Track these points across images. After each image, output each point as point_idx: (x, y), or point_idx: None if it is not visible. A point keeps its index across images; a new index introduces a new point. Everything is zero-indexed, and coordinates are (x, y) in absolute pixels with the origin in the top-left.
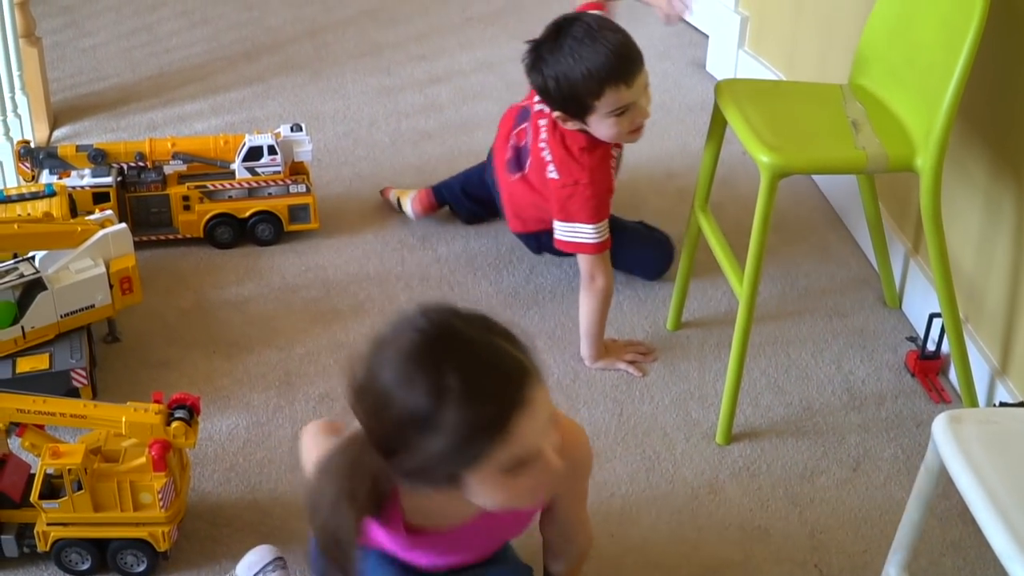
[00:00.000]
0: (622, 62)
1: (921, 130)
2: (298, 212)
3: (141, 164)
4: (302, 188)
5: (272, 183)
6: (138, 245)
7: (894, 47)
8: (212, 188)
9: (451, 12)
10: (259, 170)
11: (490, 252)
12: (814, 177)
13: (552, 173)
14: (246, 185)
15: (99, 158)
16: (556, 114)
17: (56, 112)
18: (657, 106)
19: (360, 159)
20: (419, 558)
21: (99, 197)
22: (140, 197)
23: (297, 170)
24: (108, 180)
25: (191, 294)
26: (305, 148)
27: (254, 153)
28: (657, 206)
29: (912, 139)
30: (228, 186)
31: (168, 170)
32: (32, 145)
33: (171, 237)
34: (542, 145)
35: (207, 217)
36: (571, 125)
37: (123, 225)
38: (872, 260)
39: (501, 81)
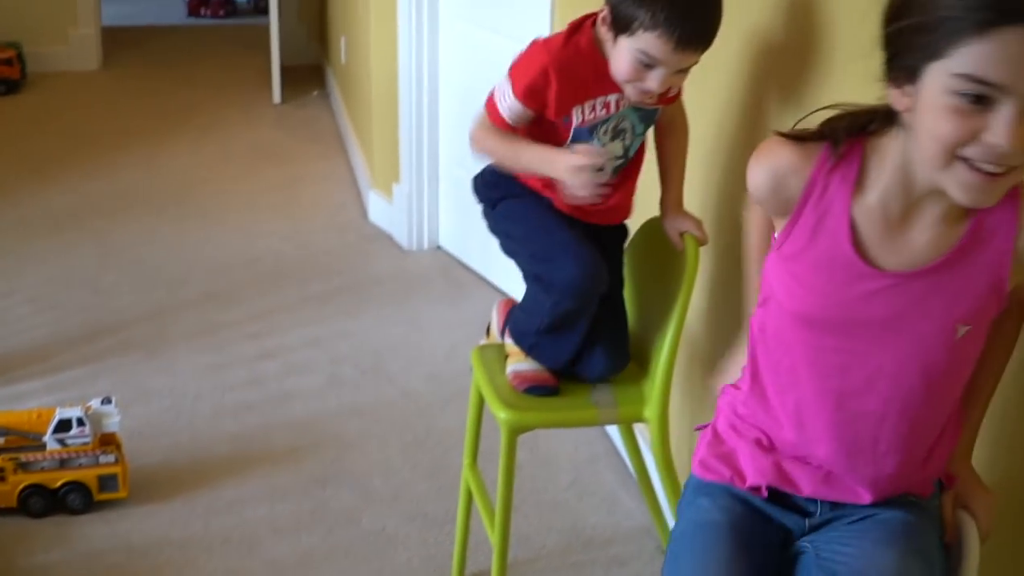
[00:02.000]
0: (682, 17)
1: (648, 384)
2: (107, 481)
3: None
4: (111, 458)
5: (82, 454)
6: None
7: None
8: (24, 460)
9: (289, 293)
10: (69, 441)
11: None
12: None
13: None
14: (57, 456)
15: None
16: (604, 12)
17: None
18: None
19: (180, 430)
20: None
21: None
22: None
23: (107, 440)
24: None
25: (1, 562)
26: (113, 419)
27: (64, 425)
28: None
29: (643, 391)
30: (40, 457)
31: None
32: None
33: None
34: None
35: (20, 487)
36: (604, 33)
37: None
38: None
39: (326, 355)
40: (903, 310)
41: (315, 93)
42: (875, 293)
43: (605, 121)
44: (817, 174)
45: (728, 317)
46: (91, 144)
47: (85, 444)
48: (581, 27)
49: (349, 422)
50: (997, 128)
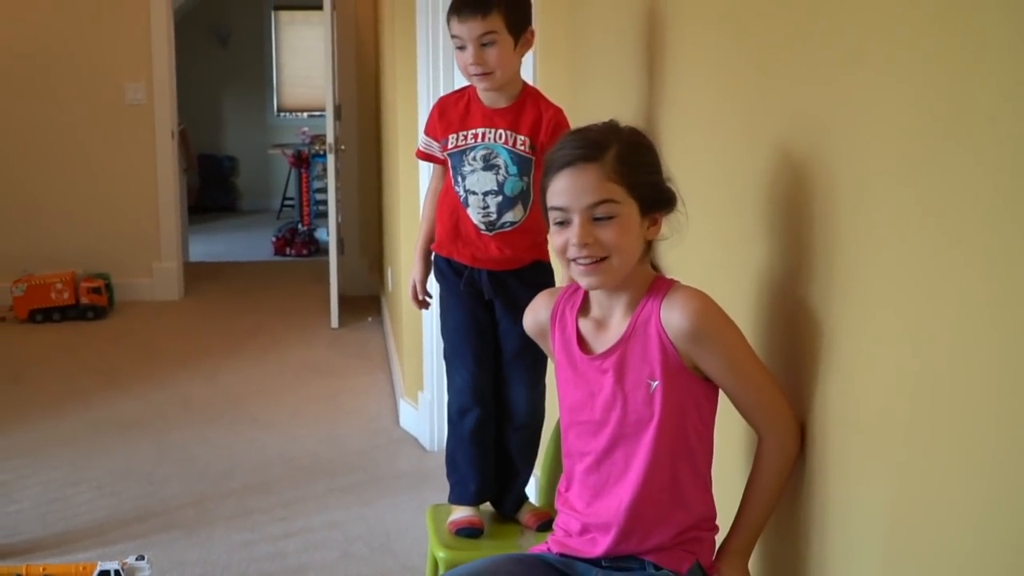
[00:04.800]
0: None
1: None
2: None
3: None
4: None
5: None
6: None
7: None
8: None
9: (318, 485)
10: None
11: None
12: None
13: None
14: None
15: None
16: None
17: None
18: None
19: None
20: None
21: None
22: None
23: None
24: None
25: None
26: (144, 573)
27: (104, 575)
28: None
29: None
30: None
31: None
32: None
33: None
34: None
35: None
36: None
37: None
38: None
39: (343, 535)
40: (616, 375)
41: (369, 319)
42: (598, 369)
43: (472, 148)
44: (557, 305)
45: None
46: (162, 360)
47: None
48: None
49: None
50: (572, 234)
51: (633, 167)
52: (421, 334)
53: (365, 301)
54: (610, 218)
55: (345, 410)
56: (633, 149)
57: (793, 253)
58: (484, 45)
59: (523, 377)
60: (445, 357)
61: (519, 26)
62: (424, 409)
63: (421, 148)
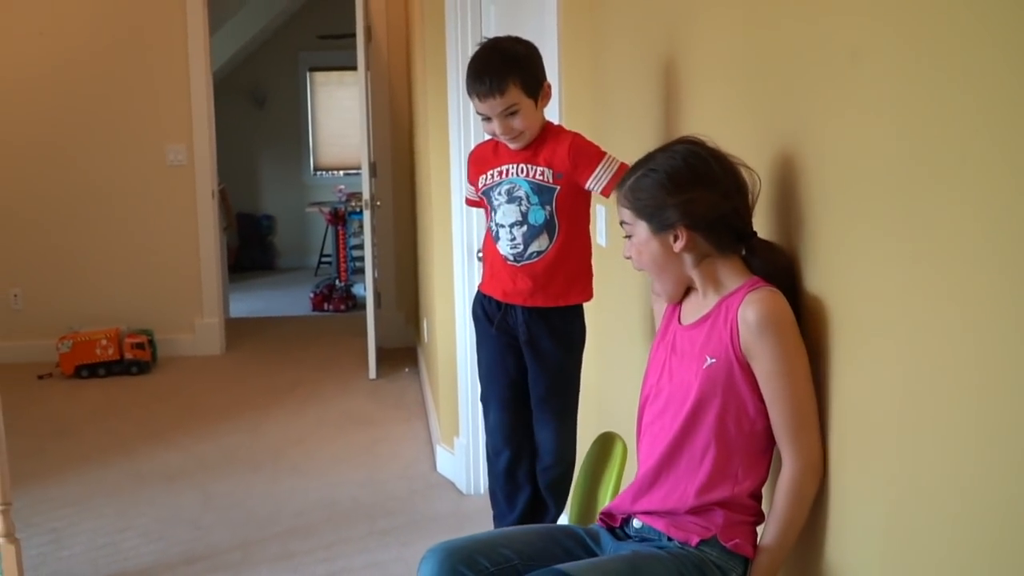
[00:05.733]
0: (472, 79)
1: None
2: None
3: None
4: None
5: None
6: None
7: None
8: None
9: (359, 528)
10: None
11: None
12: None
13: None
14: None
15: None
16: None
17: None
18: None
19: None
20: None
21: None
22: None
23: None
24: None
25: None
26: None
27: None
28: None
29: None
30: None
31: None
32: None
33: None
34: None
35: None
36: None
37: None
38: None
39: (382, 574)
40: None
41: (406, 370)
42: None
43: (499, 184)
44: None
45: None
46: (205, 414)
47: None
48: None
49: None
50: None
51: (635, 193)
52: (456, 381)
53: (402, 353)
54: (627, 236)
55: (384, 457)
56: (638, 180)
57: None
58: (509, 116)
59: (550, 421)
60: (480, 398)
61: (535, 88)
62: (460, 454)
63: (468, 197)
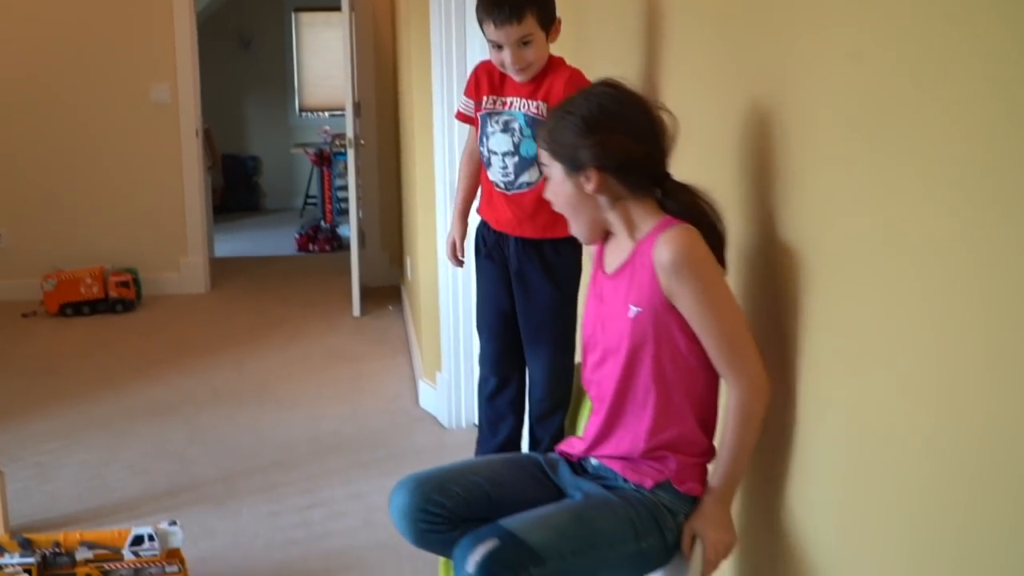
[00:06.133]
0: (489, 4)
1: None
2: None
3: (57, 550)
4: (175, 568)
5: (152, 564)
6: None
7: None
8: (108, 568)
9: (341, 461)
10: (142, 553)
11: None
12: None
13: None
14: (133, 565)
15: (26, 545)
16: None
17: (12, 529)
18: None
19: (236, 557)
20: None
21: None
22: (55, 575)
23: (173, 555)
24: (32, 560)
25: None
26: (176, 536)
27: (138, 540)
28: None
29: None
30: (120, 566)
31: (78, 555)
32: None
33: None
34: None
35: None
36: None
37: None
38: None
39: (364, 505)
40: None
41: (390, 307)
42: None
43: (498, 114)
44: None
45: None
46: (190, 350)
47: (154, 556)
48: None
49: (374, 553)
50: None
51: (552, 135)
52: (439, 317)
53: (386, 291)
54: (546, 179)
55: (367, 392)
56: (556, 123)
57: (768, 193)
58: (522, 45)
59: (539, 355)
60: (476, 326)
61: (549, 21)
62: (442, 388)
63: (460, 110)
